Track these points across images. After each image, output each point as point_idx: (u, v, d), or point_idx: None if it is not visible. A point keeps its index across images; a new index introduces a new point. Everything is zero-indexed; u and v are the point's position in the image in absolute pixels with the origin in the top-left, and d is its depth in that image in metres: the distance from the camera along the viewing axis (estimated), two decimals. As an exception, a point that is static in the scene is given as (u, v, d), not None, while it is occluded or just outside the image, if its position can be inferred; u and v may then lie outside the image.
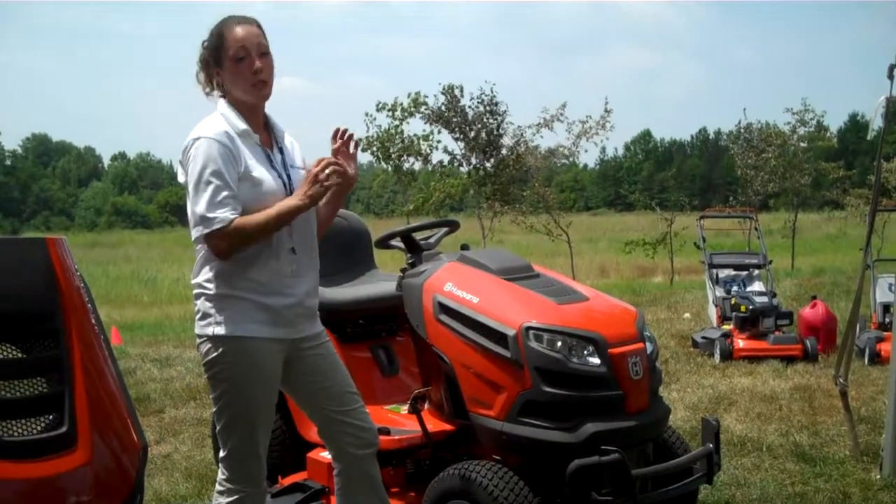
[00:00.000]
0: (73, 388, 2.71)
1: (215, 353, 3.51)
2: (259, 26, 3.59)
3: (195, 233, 3.42)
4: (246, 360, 3.50)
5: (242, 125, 3.54)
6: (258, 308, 3.50)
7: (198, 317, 3.57)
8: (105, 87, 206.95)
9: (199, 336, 3.56)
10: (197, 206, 3.39)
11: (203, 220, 3.37)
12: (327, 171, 3.44)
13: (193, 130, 3.51)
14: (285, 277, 3.55)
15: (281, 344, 3.57)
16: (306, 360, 3.68)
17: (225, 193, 3.38)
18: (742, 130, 23.53)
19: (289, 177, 3.62)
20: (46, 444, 2.62)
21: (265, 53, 3.55)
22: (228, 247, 3.40)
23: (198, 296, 3.56)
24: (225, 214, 3.37)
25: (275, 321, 3.53)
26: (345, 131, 3.66)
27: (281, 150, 3.68)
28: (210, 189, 3.38)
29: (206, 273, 3.53)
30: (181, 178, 3.56)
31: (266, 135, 3.68)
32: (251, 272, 3.49)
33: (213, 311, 3.51)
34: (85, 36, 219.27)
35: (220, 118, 3.55)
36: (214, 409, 3.64)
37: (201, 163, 3.41)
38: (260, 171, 3.52)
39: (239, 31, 3.52)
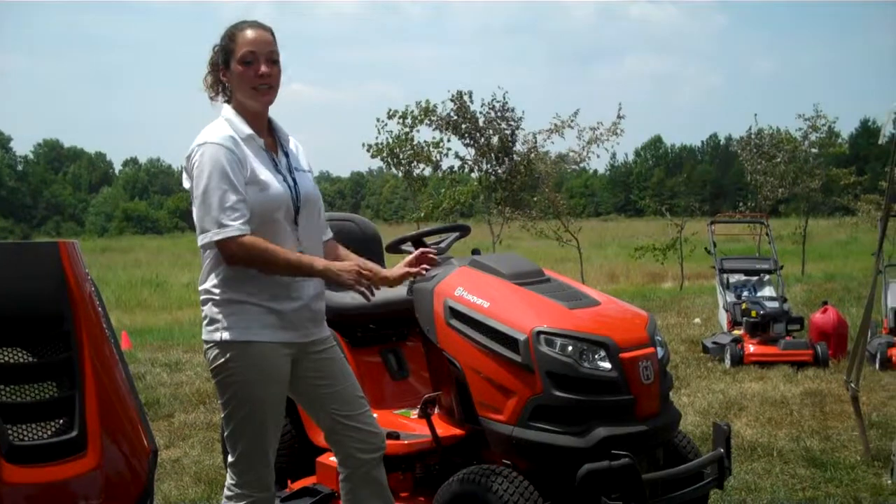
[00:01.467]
0: (84, 393, 2.71)
1: (223, 359, 3.51)
2: (272, 34, 3.60)
3: (204, 238, 3.42)
4: (254, 365, 3.50)
5: (247, 129, 3.55)
6: (265, 312, 3.50)
7: (205, 322, 3.57)
8: (117, 93, 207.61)
9: (207, 342, 3.56)
10: (208, 211, 3.39)
11: (217, 225, 3.37)
12: (364, 287, 3.55)
13: (198, 136, 3.52)
14: (293, 281, 3.55)
15: (289, 348, 3.57)
16: (314, 364, 3.68)
17: (235, 198, 3.39)
18: (752, 136, 23.48)
19: (294, 181, 3.62)
20: (57, 448, 2.63)
21: (275, 61, 3.57)
22: (239, 255, 3.40)
23: (205, 301, 3.57)
24: (238, 221, 3.38)
25: (282, 325, 3.53)
26: (429, 260, 3.86)
27: (286, 154, 3.69)
28: (220, 194, 3.38)
29: (213, 279, 3.53)
30: (186, 185, 3.57)
31: (270, 139, 3.69)
32: (258, 277, 3.49)
33: (220, 316, 3.51)
34: (97, 42, 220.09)
35: (225, 123, 3.55)
36: (223, 414, 3.63)
37: (209, 169, 3.41)
38: (266, 175, 3.52)
39: (250, 34, 3.54)
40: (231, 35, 3.57)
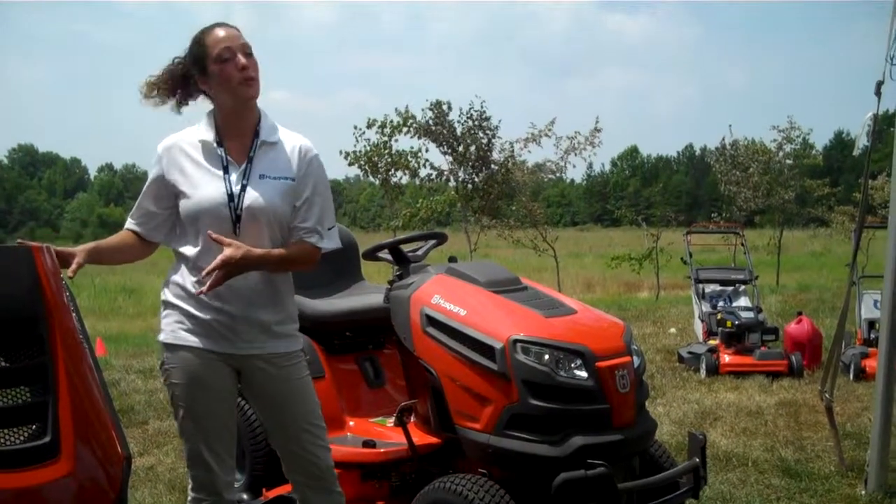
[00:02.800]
0: (58, 398, 2.68)
1: (161, 359, 3.61)
2: (239, 31, 3.55)
3: None
4: (182, 368, 3.52)
5: (204, 135, 3.54)
6: (191, 318, 3.51)
7: None
8: (92, 98, 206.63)
9: None
10: None
11: None
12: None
13: None
14: (219, 292, 3.44)
15: (220, 357, 3.53)
16: (262, 380, 3.60)
17: (140, 207, 3.63)
18: (727, 147, 23.61)
19: (243, 187, 3.48)
20: (29, 453, 2.60)
21: (250, 54, 3.51)
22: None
23: None
24: (130, 221, 3.64)
25: (208, 333, 3.50)
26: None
27: (250, 160, 3.54)
28: (139, 198, 3.65)
29: (166, 279, 3.64)
30: None
31: (248, 142, 3.57)
32: (189, 284, 3.50)
33: (162, 316, 3.61)
34: (72, 47, 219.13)
35: (193, 127, 3.60)
36: None
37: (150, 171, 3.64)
38: (197, 181, 3.49)
39: (220, 32, 3.49)
40: (199, 40, 3.51)
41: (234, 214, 3.46)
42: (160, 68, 3.64)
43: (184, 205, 3.49)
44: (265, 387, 3.61)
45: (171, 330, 3.54)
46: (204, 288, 3.37)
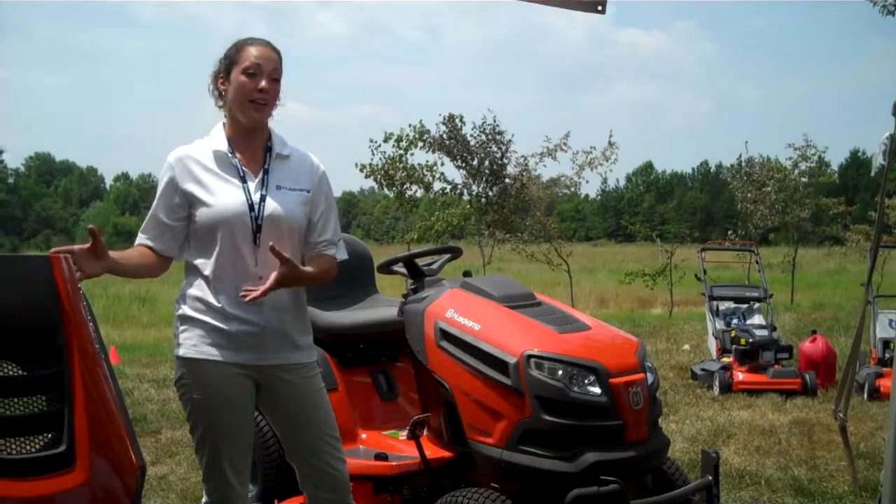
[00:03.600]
0: (73, 407, 2.69)
1: (178, 374, 3.57)
2: (279, 55, 3.60)
3: None
4: (204, 383, 3.49)
5: (218, 146, 3.56)
6: (214, 332, 3.48)
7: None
8: (109, 107, 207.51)
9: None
10: None
11: None
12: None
13: None
14: (246, 304, 3.46)
15: (243, 369, 3.52)
16: (281, 391, 3.60)
17: (152, 216, 3.58)
18: (743, 164, 23.56)
19: (262, 197, 3.52)
20: (44, 462, 2.61)
21: (276, 80, 3.55)
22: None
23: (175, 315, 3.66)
24: (142, 236, 3.59)
25: (232, 346, 3.49)
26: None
27: (266, 171, 3.58)
28: (149, 212, 3.61)
29: (180, 293, 3.61)
30: None
31: (260, 155, 3.62)
32: (210, 296, 3.49)
33: (177, 331, 3.57)
34: (90, 56, 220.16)
35: (204, 139, 3.62)
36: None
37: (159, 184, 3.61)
38: (217, 191, 3.50)
39: (257, 49, 3.54)
40: (239, 46, 3.56)
41: (254, 224, 3.49)
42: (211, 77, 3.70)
43: (203, 214, 3.48)
44: (286, 398, 3.61)
45: (193, 344, 3.50)
46: (250, 297, 3.40)
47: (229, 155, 3.56)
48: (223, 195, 3.49)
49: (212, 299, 3.48)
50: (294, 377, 3.61)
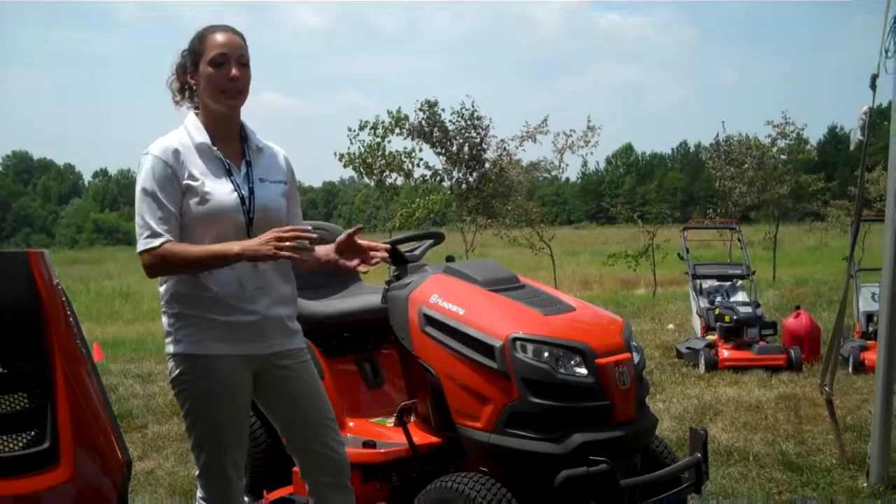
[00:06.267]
0: (56, 404, 2.66)
1: (177, 371, 3.48)
2: (243, 39, 3.55)
3: (137, 249, 3.41)
4: (208, 378, 3.44)
5: (200, 138, 3.49)
6: (217, 325, 3.43)
7: (164, 335, 3.55)
8: (85, 104, 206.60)
9: (166, 354, 3.54)
10: (138, 224, 3.39)
11: (138, 237, 3.37)
12: (288, 241, 3.28)
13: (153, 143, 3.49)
14: (245, 293, 3.47)
15: (246, 360, 3.50)
16: (278, 378, 3.59)
17: (159, 214, 3.36)
18: (721, 143, 23.64)
19: (251, 190, 3.52)
20: (28, 460, 2.58)
21: (245, 65, 3.50)
22: (153, 266, 3.37)
23: (163, 314, 3.54)
24: (148, 236, 3.35)
25: (236, 338, 3.45)
26: (359, 229, 3.66)
27: (248, 164, 3.57)
28: (145, 207, 3.37)
29: (167, 292, 3.50)
30: None
31: (237, 147, 3.59)
32: (209, 291, 3.43)
33: (173, 328, 3.48)
34: (65, 53, 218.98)
35: (180, 131, 3.52)
36: (185, 426, 3.60)
37: (142, 180, 3.40)
38: (211, 185, 3.44)
39: (221, 37, 3.48)
40: (201, 37, 3.50)
41: (247, 217, 3.48)
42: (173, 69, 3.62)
43: (198, 209, 3.41)
44: (287, 385, 3.61)
45: (194, 340, 3.43)
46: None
47: (213, 148, 3.51)
48: (217, 189, 3.45)
49: (209, 293, 3.42)
50: (293, 362, 3.61)
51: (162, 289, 3.52)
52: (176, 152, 3.43)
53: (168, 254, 3.33)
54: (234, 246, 3.32)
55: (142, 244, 3.35)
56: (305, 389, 3.64)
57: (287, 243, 3.27)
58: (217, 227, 3.43)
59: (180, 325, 3.46)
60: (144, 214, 3.37)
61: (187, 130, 3.51)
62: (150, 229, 3.35)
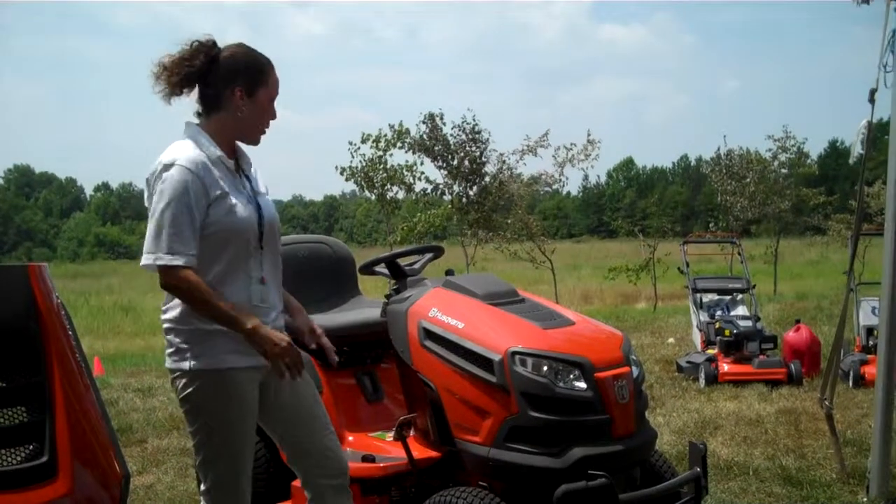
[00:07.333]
0: (54, 417, 2.67)
1: (192, 387, 3.46)
2: None
3: (148, 259, 3.35)
4: (225, 392, 3.45)
5: (217, 151, 3.50)
6: (232, 339, 3.43)
7: (169, 351, 3.51)
8: (87, 118, 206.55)
9: (174, 371, 3.50)
10: (159, 234, 3.33)
11: (166, 250, 3.32)
12: (290, 368, 3.43)
13: (167, 153, 3.42)
14: (255, 307, 3.50)
15: (258, 372, 3.53)
16: (286, 387, 3.61)
17: (190, 228, 3.34)
18: (722, 157, 23.66)
19: (258, 204, 3.57)
20: (26, 474, 2.58)
21: None
22: (179, 285, 3.35)
23: (168, 331, 3.51)
24: (188, 251, 3.34)
25: (250, 350, 3.45)
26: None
27: (248, 178, 3.64)
28: (177, 220, 3.32)
29: (177, 309, 3.47)
30: (147, 202, 3.46)
31: (234, 162, 3.62)
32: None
33: (187, 345, 3.45)
34: (67, 67, 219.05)
35: (193, 143, 3.48)
36: (193, 443, 3.59)
37: (171, 192, 3.33)
38: (234, 198, 3.47)
39: (276, 77, 3.60)
40: (263, 66, 3.57)
41: (259, 229, 3.54)
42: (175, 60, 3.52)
43: (225, 220, 3.42)
44: (290, 394, 3.65)
45: (213, 355, 3.42)
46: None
47: (230, 161, 3.55)
48: (240, 202, 3.49)
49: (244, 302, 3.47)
50: None
51: (171, 305, 3.50)
52: (205, 165, 3.41)
53: (186, 282, 3.33)
54: (248, 322, 3.36)
55: (164, 258, 3.31)
56: (307, 394, 3.72)
57: (288, 361, 3.42)
58: (238, 239, 3.47)
59: (196, 339, 3.44)
60: (169, 228, 3.31)
61: (200, 143, 3.48)
62: (173, 245, 3.31)
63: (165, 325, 3.52)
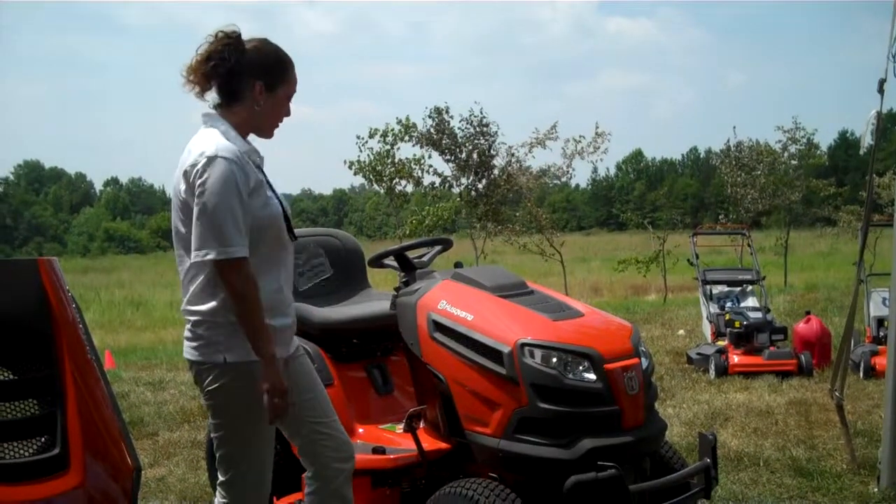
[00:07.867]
0: (66, 410, 2.69)
1: (223, 380, 3.42)
2: None
3: (208, 255, 3.27)
4: (256, 384, 3.38)
5: (246, 145, 3.51)
6: (272, 331, 3.41)
7: (198, 344, 3.44)
8: (97, 113, 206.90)
9: (203, 364, 3.43)
10: (213, 229, 3.26)
11: (227, 243, 3.27)
12: (277, 409, 3.38)
13: (203, 146, 3.36)
14: (286, 298, 3.58)
15: (284, 362, 3.54)
16: (292, 375, 3.60)
17: (242, 222, 3.31)
18: (732, 149, 23.59)
19: (279, 199, 3.60)
20: (39, 466, 2.60)
21: None
22: (237, 279, 3.29)
23: (199, 324, 3.43)
24: (244, 243, 3.31)
25: (283, 340, 3.52)
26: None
27: (262, 172, 3.63)
28: (230, 213, 3.28)
29: (212, 301, 3.40)
30: (186, 197, 3.36)
31: None
32: (262, 298, 3.39)
33: (221, 338, 3.41)
34: (76, 63, 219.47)
35: (222, 135, 3.43)
36: (216, 436, 3.54)
37: (220, 185, 3.27)
38: (267, 190, 3.51)
39: (296, 76, 3.62)
40: (287, 65, 3.59)
41: (286, 221, 3.58)
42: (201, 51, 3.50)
43: (262, 213, 3.42)
44: (303, 382, 3.69)
45: (244, 347, 3.37)
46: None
47: (254, 155, 3.55)
48: (271, 194, 3.52)
49: (264, 302, 3.39)
50: (298, 357, 3.73)
51: (204, 297, 3.42)
52: (241, 157, 3.39)
53: (246, 274, 3.31)
54: (271, 349, 3.35)
55: (229, 251, 3.25)
56: (311, 378, 3.78)
57: (277, 403, 3.37)
58: (272, 231, 3.49)
59: (231, 332, 3.39)
60: (227, 220, 3.27)
61: (228, 136, 3.44)
62: (234, 237, 3.28)
63: (195, 318, 3.44)
